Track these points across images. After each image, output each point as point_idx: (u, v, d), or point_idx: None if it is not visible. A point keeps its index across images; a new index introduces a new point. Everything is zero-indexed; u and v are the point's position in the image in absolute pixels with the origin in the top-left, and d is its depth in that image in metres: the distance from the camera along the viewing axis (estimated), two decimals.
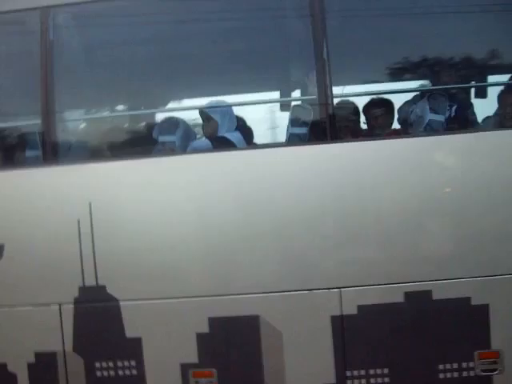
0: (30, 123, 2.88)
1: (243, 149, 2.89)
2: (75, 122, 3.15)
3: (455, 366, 2.60)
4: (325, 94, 2.63)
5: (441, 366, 2.60)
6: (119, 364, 2.68)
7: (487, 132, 2.82)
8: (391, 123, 3.04)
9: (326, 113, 2.66)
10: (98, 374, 2.69)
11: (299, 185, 2.60)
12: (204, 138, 3.03)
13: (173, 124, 2.96)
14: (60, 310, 2.66)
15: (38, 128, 2.76)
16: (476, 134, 2.78)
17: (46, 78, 2.68)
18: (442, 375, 2.60)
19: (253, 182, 2.63)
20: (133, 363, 2.67)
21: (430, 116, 2.80)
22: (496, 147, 2.61)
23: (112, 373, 2.69)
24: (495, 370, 2.60)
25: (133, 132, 3.22)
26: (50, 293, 2.66)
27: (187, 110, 3.33)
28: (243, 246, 2.62)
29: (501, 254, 2.56)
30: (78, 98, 3.04)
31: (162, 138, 2.91)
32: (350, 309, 2.58)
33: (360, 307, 2.58)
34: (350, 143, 2.75)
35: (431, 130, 2.79)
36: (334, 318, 2.59)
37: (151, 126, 3.07)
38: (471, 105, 3.04)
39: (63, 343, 2.68)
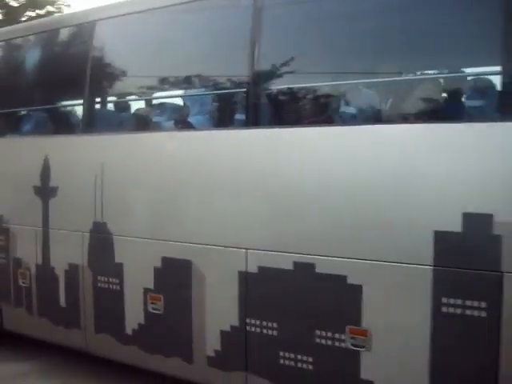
0: None
1: None
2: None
3: (329, 334, 2.95)
4: None
5: (317, 332, 2.98)
6: (111, 280, 3.78)
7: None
8: None
9: None
10: (99, 284, 3.84)
11: None
12: None
13: None
14: (82, 236, 3.89)
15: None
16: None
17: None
18: (317, 340, 2.98)
19: None
20: (117, 281, 3.74)
21: None
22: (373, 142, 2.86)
23: (106, 286, 3.81)
24: (363, 346, 2.86)
25: None
26: (79, 224, 3.90)
27: None
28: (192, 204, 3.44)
29: (376, 241, 2.81)
30: None
31: None
32: (253, 268, 3.16)
33: (260, 268, 3.14)
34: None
35: None
36: (240, 273, 3.21)
37: None
38: None
39: (82, 259, 3.90)
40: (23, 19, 13.39)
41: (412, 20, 2.95)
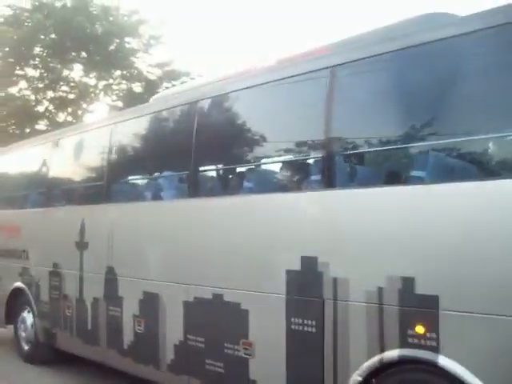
0: None
1: None
2: None
3: (231, 346, 4.15)
4: None
5: (225, 344, 4.20)
6: (115, 309, 5.32)
7: None
8: None
9: None
10: (109, 312, 5.40)
11: None
12: None
13: None
14: (100, 277, 5.50)
15: None
16: None
17: None
18: (225, 350, 4.19)
19: None
20: (119, 310, 5.26)
21: None
22: None
23: (113, 313, 5.35)
24: (250, 354, 4.03)
25: None
26: (99, 267, 5.53)
27: None
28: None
29: (255, 278, 4.03)
30: None
31: None
32: (190, 298, 4.50)
33: (194, 297, 4.47)
34: None
35: None
36: (183, 302, 4.56)
37: None
38: None
39: (100, 294, 5.49)
40: (160, 90, 15.06)
41: None
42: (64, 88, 19.41)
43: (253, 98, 4.43)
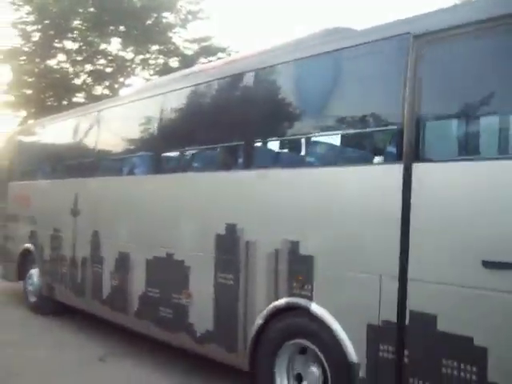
0: None
1: None
2: None
3: (176, 295, 5.46)
4: None
5: (173, 295, 5.51)
6: (97, 266, 6.75)
7: None
8: None
9: None
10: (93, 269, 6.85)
11: None
12: None
13: None
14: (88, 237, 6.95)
15: None
16: None
17: None
18: (173, 299, 5.51)
19: None
20: (100, 266, 6.69)
21: None
22: None
23: (97, 270, 6.79)
24: (189, 302, 5.33)
25: None
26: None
27: None
28: None
29: (195, 241, 5.31)
30: None
31: None
32: (150, 256, 5.84)
33: (153, 256, 5.80)
34: None
35: None
36: (146, 260, 5.90)
37: None
38: None
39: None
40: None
41: None
42: (101, 61, 21.09)
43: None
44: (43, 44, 19.87)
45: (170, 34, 20.57)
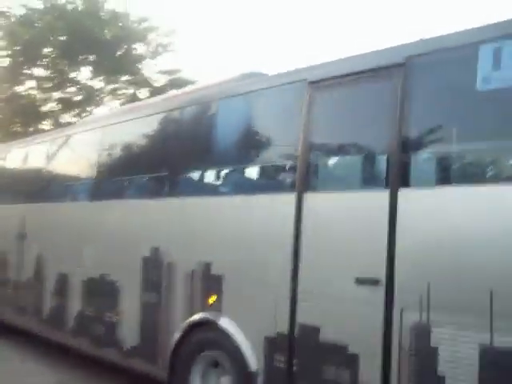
0: None
1: None
2: None
3: (109, 314, 6.07)
4: None
5: (106, 313, 6.12)
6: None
7: None
8: None
9: None
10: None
11: None
12: None
13: None
14: None
15: None
16: None
17: None
18: (105, 318, 6.11)
19: None
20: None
21: None
22: None
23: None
24: (118, 320, 5.93)
25: None
26: None
27: None
28: None
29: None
30: None
31: None
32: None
33: (88, 278, 6.43)
34: None
35: None
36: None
37: None
38: None
39: None
40: None
41: None
42: (71, 89, 21.85)
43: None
44: (12, 70, 20.58)
45: (140, 66, 21.41)
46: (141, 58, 21.42)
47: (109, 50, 20.56)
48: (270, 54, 33.46)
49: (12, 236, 8.10)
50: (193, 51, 33.14)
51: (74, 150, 7.33)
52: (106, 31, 20.46)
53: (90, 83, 21.55)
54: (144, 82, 21.59)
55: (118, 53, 21.00)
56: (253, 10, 41.06)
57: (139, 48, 21.33)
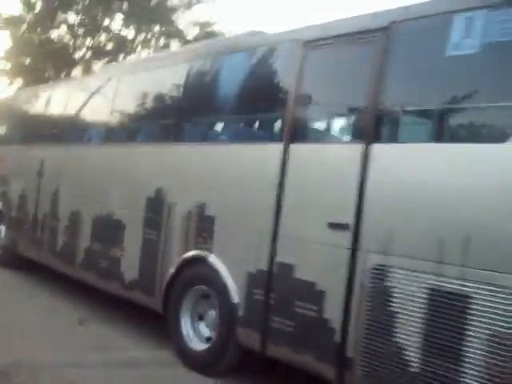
0: None
1: None
2: None
3: (113, 249, 6.74)
4: None
5: (111, 248, 6.79)
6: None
7: None
8: None
9: None
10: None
11: None
12: None
13: None
14: None
15: None
16: None
17: None
18: (110, 252, 6.79)
19: None
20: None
21: None
22: None
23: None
24: (122, 254, 6.60)
25: None
26: None
27: None
28: None
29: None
30: None
31: None
32: None
33: (98, 215, 7.11)
34: None
35: None
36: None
37: None
38: None
39: None
40: None
41: None
42: (103, 37, 22.47)
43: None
44: (46, 15, 21.23)
45: (174, 16, 21.85)
46: (175, 9, 21.81)
47: None
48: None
49: (31, 175, 8.80)
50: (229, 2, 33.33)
51: (87, 97, 7.98)
52: None
53: (122, 32, 22.07)
54: (176, 33, 22.03)
55: (152, 2, 21.42)
56: None
57: None
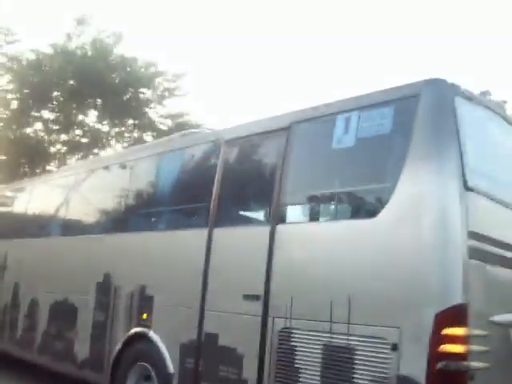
0: None
1: None
2: None
3: (68, 332, 7.63)
4: None
5: (64, 332, 7.67)
6: None
7: None
8: None
9: None
10: None
11: None
12: None
13: None
14: None
15: None
16: None
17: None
18: (65, 335, 7.66)
19: None
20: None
21: None
22: None
23: None
24: (75, 336, 7.47)
25: None
26: None
27: None
28: None
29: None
30: None
31: None
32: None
33: (55, 301, 8.04)
34: None
35: None
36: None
37: None
38: None
39: None
40: None
41: None
42: (78, 132, 23.90)
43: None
44: (21, 112, 22.68)
45: (146, 109, 23.39)
46: (147, 102, 23.36)
47: (116, 95, 22.56)
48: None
49: None
50: (202, 94, 35.66)
51: (45, 194, 9.29)
52: (113, 76, 22.54)
53: (96, 126, 23.50)
54: (150, 126, 23.49)
55: (125, 97, 22.96)
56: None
57: (146, 92, 23.27)
